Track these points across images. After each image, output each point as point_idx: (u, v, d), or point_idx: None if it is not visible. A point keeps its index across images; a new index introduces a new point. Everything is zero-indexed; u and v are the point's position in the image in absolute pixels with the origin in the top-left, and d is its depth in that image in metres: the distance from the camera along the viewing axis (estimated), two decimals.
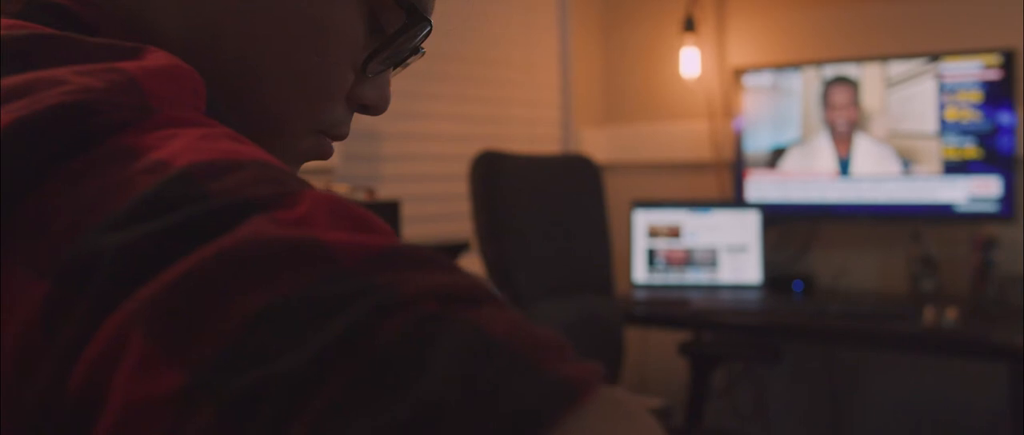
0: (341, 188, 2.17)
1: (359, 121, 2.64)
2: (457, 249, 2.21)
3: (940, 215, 2.71)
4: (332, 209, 0.34)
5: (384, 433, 0.26)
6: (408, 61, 0.70)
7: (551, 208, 2.29)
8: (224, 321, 0.29)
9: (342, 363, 0.28)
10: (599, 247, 2.43)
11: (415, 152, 2.85)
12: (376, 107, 0.63)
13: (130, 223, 0.33)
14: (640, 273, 2.94)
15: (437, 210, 2.80)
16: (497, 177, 2.13)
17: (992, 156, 2.64)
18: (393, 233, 0.36)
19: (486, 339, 0.29)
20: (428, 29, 0.60)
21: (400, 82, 2.78)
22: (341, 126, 0.62)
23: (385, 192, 2.68)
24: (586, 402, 0.29)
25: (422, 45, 0.69)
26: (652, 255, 2.95)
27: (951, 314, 2.35)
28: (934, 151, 2.72)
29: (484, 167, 2.12)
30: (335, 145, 2.05)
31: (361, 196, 2.14)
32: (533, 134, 3.24)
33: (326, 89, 0.58)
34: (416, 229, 2.68)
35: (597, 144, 3.41)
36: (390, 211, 2.09)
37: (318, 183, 2.19)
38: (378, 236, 0.34)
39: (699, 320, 2.61)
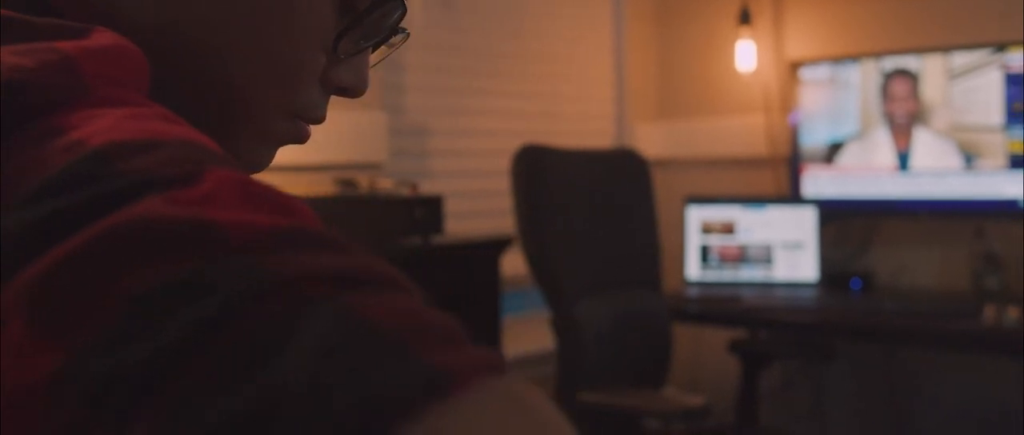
0: (385, 183, 2.17)
1: (408, 117, 2.66)
2: (501, 244, 2.20)
3: (1004, 210, 2.62)
4: (240, 189, 0.34)
5: (226, 420, 0.25)
6: (393, 43, 0.69)
7: (596, 203, 2.26)
8: (102, 303, 0.28)
9: (202, 346, 0.27)
10: (647, 243, 2.40)
11: (465, 148, 2.84)
12: (353, 90, 0.62)
13: (36, 202, 0.32)
14: (693, 270, 2.90)
15: (485, 206, 2.79)
16: (539, 171, 2.11)
17: None
18: (309, 215, 0.35)
19: (359, 323, 0.29)
20: (401, 8, 0.59)
21: (449, 79, 2.78)
22: (316, 109, 0.61)
23: (431, 188, 2.68)
24: (463, 393, 0.28)
25: (405, 26, 0.68)
26: (705, 252, 2.91)
27: (1014, 313, 2.27)
28: (999, 145, 2.62)
29: (526, 161, 2.10)
30: (383, 140, 2.08)
31: (404, 191, 2.14)
32: (586, 129, 3.21)
33: (295, 70, 0.57)
34: (460, 225, 2.67)
35: (651, 139, 3.37)
36: (433, 206, 2.09)
37: (362, 178, 2.20)
38: (282, 217, 0.33)
39: (752, 318, 2.56)
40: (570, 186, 2.19)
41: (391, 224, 2.04)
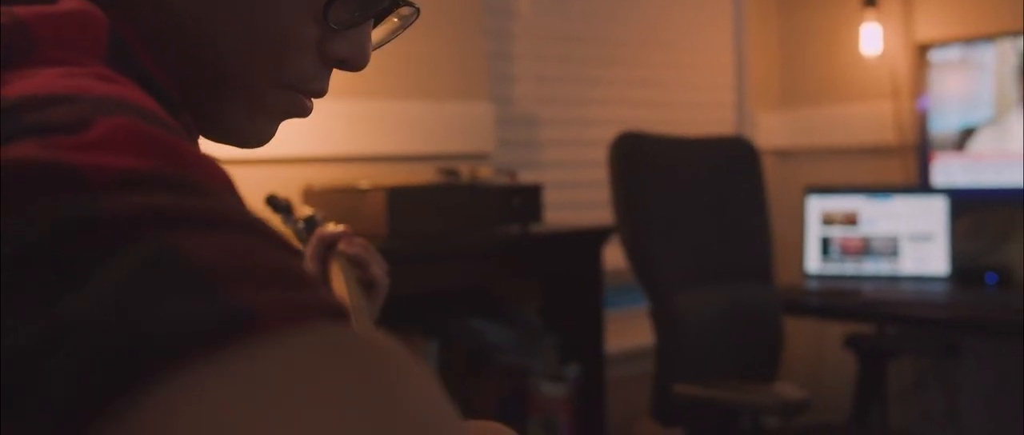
0: (486, 172, 2.17)
1: (516, 107, 2.65)
2: (601, 234, 2.16)
3: None
4: (129, 137, 0.34)
5: (23, 345, 0.27)
6: (402, 17, 0.68)
7: (700, 192, 2.20)
8: None
9: (12, 277, 0.28)
10: (757, 234, 2.31)
11: (576, 138, 2.81)
12: (352, 62, 0.62)
13: None
14: (813, 262, 2.79)
15: (597, 197, 2.75)
16: (638, 159, 2.06)
17: None
18: (198, 164, 0.36)
19: (173, 259, 0.29)
20: None
21: (560, 67, 2.76)
22: (313, 82, 0.61)
23: (541, 179, 2.66)
24: (270, 332, 0.29)
25: (414, 1, 0.67)
26: (826, 244, 2.79)
27: None
28: None
29: (623, 149, 2.06)
30: (490, 130, 2.11)
31: (503, 179, 2.13)
32: (704, 119, 3.14)
33: (281, 40, 0.57)
34: (572, 216, 2.65)
35: (772, 129, 3.27)
36: (532, 195, 2.07)
37: (465, 168, 2.20)
38: (150, 161, 0.33)
39: (876, 312, 2.44)
40: (672, 174, 2.14)
41: (489, 212, 2.03)
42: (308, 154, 2.18)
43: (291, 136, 2.15)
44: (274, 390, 0.28)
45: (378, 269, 1.14)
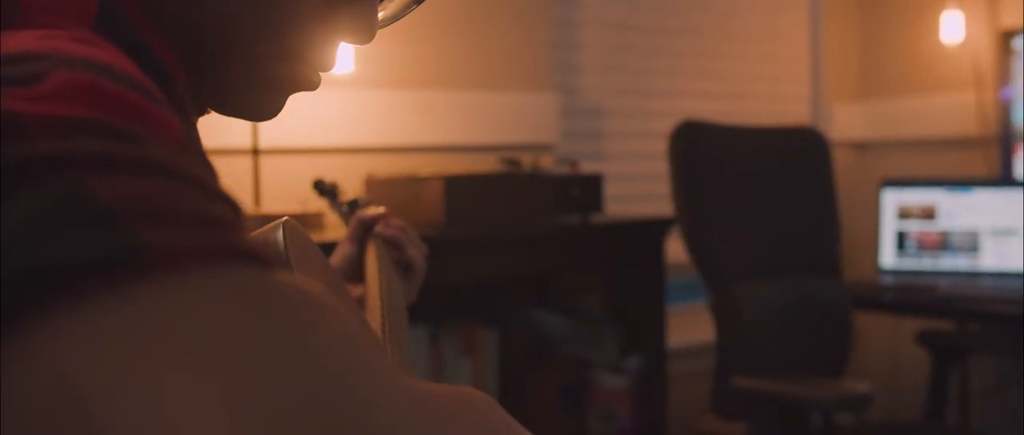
0: (547, 162, 2.17)
1: (582, 98, 2.64)
2: (662, 224, 2.14)
3: None
4: (77, 89, 0.35)
5: None
6: None
7: (764, 182, 2.15)
8: None
9: None
10: (824, 226, 2.26)
11: (644, 129, 2.79)
12: (357, 36, 0.62)
13: None
14: (887, 257, 2.71)
15: (662, 189, 2.72)
16: (697, 148, 2.03)
17: None
18: (152, 118, 0.37)
19: (80, 196, 0.30)
20: None
21: (628, 58, 2.74)
22: (317, 54, 0.61)
23: (603, 169, 2.65)
24: (175, 272, 0.29)
25: None
26: (902, 238, 2.71)
27: None
28: None
29: (683, 138, 2.03)
30: (554, 121, 2.11)
31: (564, 169, 2.12)
32: (778, 110, 3.08)
33: (283, 12, 0.57)
34: (637, 207, 2.63)
35: (849, 120, 3.19)
36: (592, 185, 2.06)
37: (526, 158, 2.20)
38: (91, 110, 0.34)
39: (950, 308, 2.36)
40: (734, 164, 2.10)
41: (548, 202, 2.03)
42: (371, 144, 2.21)
43: (355, 126, 2.18)
44: (169, 328, 0.29)
45: (415, 251, 1.14)
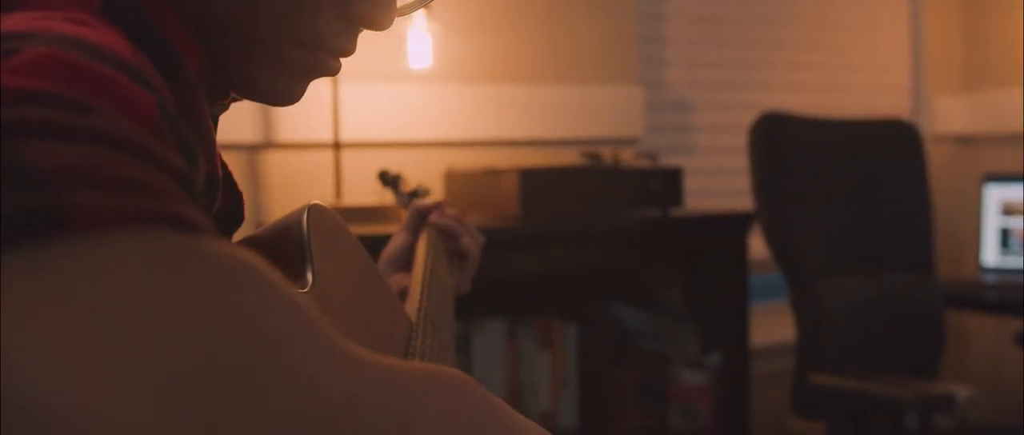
0: (627, 156, 2.15)
1: (668, 91, 2.61)
2: (743, 219, 2.09)
3: None
4: (49, 64, 0.37)
5: None
6: None
7: (850, 176, 2.09)
8: None
9: None
10: (916, 222, 2.18)
11: (734, 123, 2.73)
12: (375, 22, 0.63)
13: None
14: (990, 254, 2.60)
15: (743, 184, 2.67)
16: (779, 140, 1.98)
17: None
18: (117, 93, 0.38)
19: (13, 159, 0.31)
20: None
21: (716, 50, 2.69)
22: (335, 39, 0.62)
23: (691, 164, 2.61)
24: (90, 232, 0.30)
25: None
26: (1005, 235, 2.59)
27: None
28: None
29: (763, 131, 1.98)
30: (639, 115, 2.11)
31: (644, 163, 2.10)
32: (876, 103, 2.98)
33: None
34: (724, 202, 2.58)
35: (951, 113, 3.06)
36: (671, 178, 2.03)
37: (608, 153, 2.18)
38: (52, 84, 0.36)
39: None
40: (817, 157, 2.04)
41: (626, 195, 2.01)
42: (452, 138, 2.22)
43: (435, 120, 2.20)
44: (78, 285, 0.29)
45: (469, 240, 1.15)
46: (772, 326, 2.65)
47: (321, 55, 0.63)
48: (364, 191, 2.07)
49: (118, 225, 0.31)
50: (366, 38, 1.91)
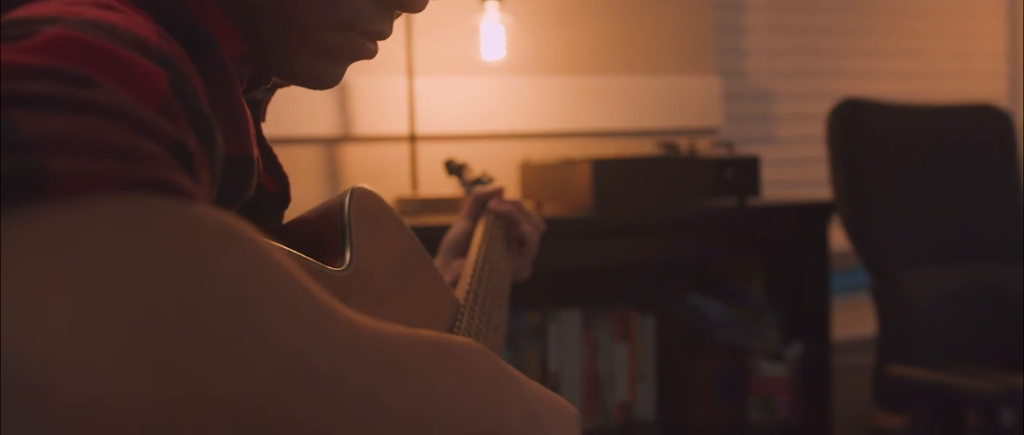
0: (702, 145, 2.12)
1: (748, 81, 2.57)
2: (822, 209, 2.05)
3: None
4: (61, 43, 0.38)
5: None
6: None
7: (934, 163, 2.02)
8: None
9: None
10: (1008, 210, 2.10)
11: (818, 113, 2.67)
12: (408, 4, 0.64)
13: None
14: None
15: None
16: (859, 129, 1.93)
17: None
18: (120, 69, 0.40)
19: (5, 128, 0.32)
20: None
21: (798, 39, 2.64)
22: (371, 23, 0.64)
23: (774, 154, 2.57)
24: (71, 196, 0.31)
25: None
26: None
27: None
28: None
29: (843, 117, 1.93)
30: (717, 105, 2.11)
31: (721, 152, 2.07)
32: (970, 90, 2.88)
33: None
34: (797, 192, 2.53)
35: None
36: (747, 167, 2.00)
37: (684, 143, 2.16)
38: (68, 60, 0.37)
39: None
40: (901, 144, 1.98)
41: (701, 185, 1.99)
42: (528, 130, 2.23)
43: (510, 112, 2.21)
44: (54, 246, 0.30)
45: (528, 227, 1.16)
46: (856, 321, 2.58)
47: (358, 38, 0.65)
48: (439, 183, 2.09)
49: (101, 188, 0.32)
50: (440, 32, 1.97)
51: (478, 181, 1.31)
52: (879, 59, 2.76)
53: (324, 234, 0.68)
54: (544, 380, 2.06)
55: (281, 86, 0.76)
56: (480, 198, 1.17)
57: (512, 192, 2.11)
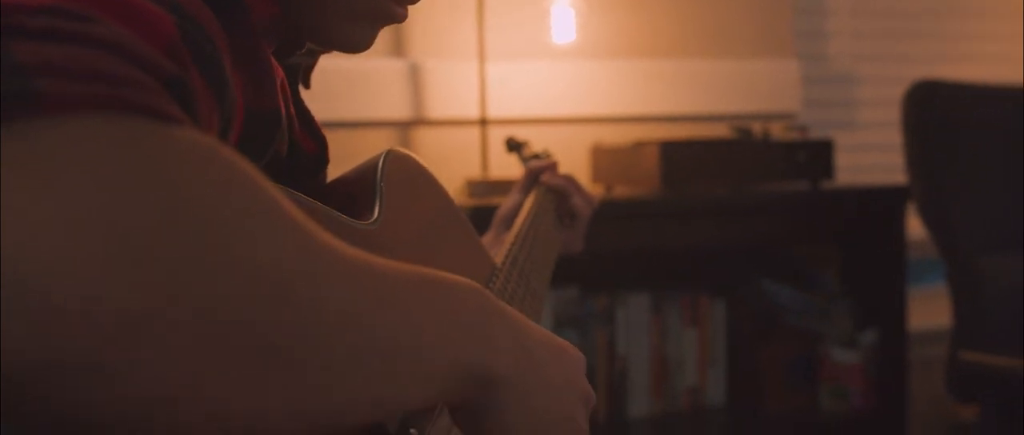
0: (776, 129, 2.10)
1: (829, 65, 2.52)
2: (898, 193, 2.00)
3: None
4: None
5: None
6: None
7: (1012, 148, 1.96)
8: None
9: None
10: None
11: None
12: None
13: None
14: None
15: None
16: (935, 110, 1.88)
17: None
18: (121, 10, 0.41)
19: (2, 56, 0.34)
20: None
21: (883, 21, 2.58)
22: None
23: (856, 140, 2.52)
24: (61, 114, 0.33)
25: None
26: None
27: None
28: None
29: (919, 99, 1.89)
30: (795, 89, 2.12)
31: (794, 134, 2.05)
32: None
33: None
34: (878, 177, 2.47)
35: None
36: (820, 150, 1.97)
37: (758, 126, 2.14)
38: (74, 1, 0.39)
39: None
40: (981, 126, 1.93)
41: (774, 168, 1.97)
42: (599, 114, 2.24)
43: (582, 96, 2.22)
44: (39, 160, 0.33)
45: (579, 200, 1.17)
46: (936, 311, 2.51)
47: (387, 3, 0.67)
48: (509, 165, 2.11)
49: (88, 108, 0.34)
50: (512, 15, 1.99)
51: (536, 157, 1.33)
52: (966, 42, 2.68)
53: (357, 192, 0.71)
54: (612, 364, 2.07)
55: (320, 52, 0.79)
56: (533, 172, 1.19)
57: (583, 176, 2.12)
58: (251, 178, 0.38)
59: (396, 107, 2.10)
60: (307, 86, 0.82)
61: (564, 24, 2.11)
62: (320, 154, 0.75)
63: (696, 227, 1.95)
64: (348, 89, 2.04)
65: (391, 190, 0.70)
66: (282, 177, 0.61)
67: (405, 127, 2.14)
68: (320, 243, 0.40)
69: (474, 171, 2.12)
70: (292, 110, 0.68)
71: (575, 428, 0.57)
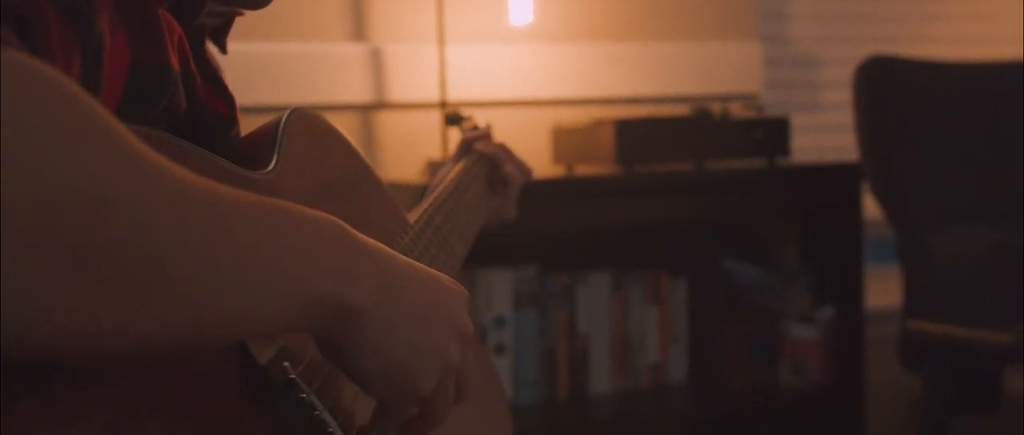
0: (735, 108, 2.12)
1: (791, 47, 2.54)
2: (852, 170, 2.02)
3: None
4: None
5: None
6: None
7: (968, 122, 1.98)
8: None
9: None
10: None
11: None
12: None
13: None
14: None
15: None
16: (886, 85, 1.91)
17: None
18: None
19: None
20: None
21: (846, 4, 2.59)
22: None
23: (820, 121, 2.54)
24: None
25: None
26: None
27: None
28: None
29: (869, 75, 1.91)
30: (757, 71, 2.14)
31: (751, 113, 2.07)
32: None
33: None
34: (817, 156, 2.49)
35: None
36: (776, 128, 2.00)
37: (717, 106, 2.16)
38: None
39: None
40: (932, 102, 1.95)
41: (730, 145, 2.00)
42: (561, 96, 2.25)
43: (543, 79, 2.24)
44: None
45: (511, 168, 1.19)
46: (894, 289, 2.54)
47: None
48: None
49: None
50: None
51: (475, 129, 1.35)
52: (926, 23, 2.70)
53: (261, 143, 0.73)
54: (573, 342, 2.09)
55: (228, 13, 0.81)
56: (467, 141, 1.21)
57: (544, 158, 2.14)
58: (75, 96, 0.40)
59: (357, 91, 2.12)
60: (222, 50, 0.84)
61: (522, 6, 2.13)
62: (229, 115, 0.77)
63: (654, 203, 1.97)
64: (309, 73, 2.06)
65: (291, 144, 0.72)
66: (180, 131, 0.63)
67: (366, 110, 2.15)
68: (149, 161, 0.42)
69: (435, 153, 2.14)
70: (193, 67, 0.70)
71: (445, 359, 0.58)
